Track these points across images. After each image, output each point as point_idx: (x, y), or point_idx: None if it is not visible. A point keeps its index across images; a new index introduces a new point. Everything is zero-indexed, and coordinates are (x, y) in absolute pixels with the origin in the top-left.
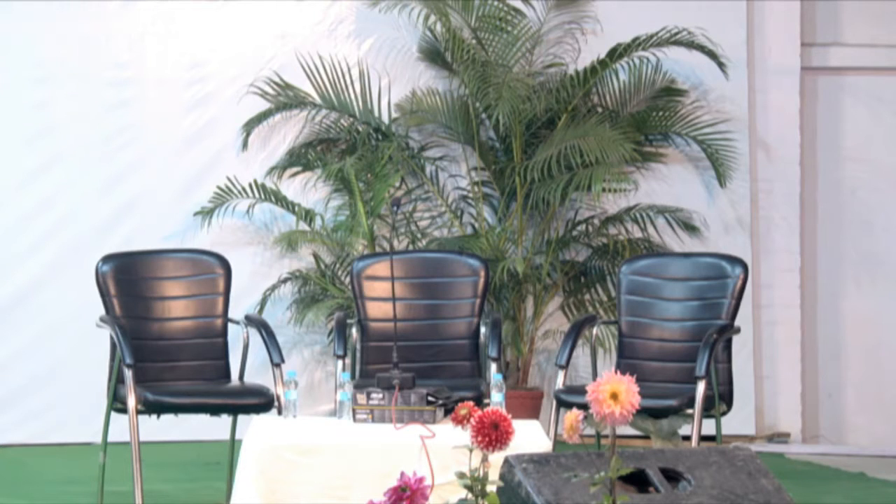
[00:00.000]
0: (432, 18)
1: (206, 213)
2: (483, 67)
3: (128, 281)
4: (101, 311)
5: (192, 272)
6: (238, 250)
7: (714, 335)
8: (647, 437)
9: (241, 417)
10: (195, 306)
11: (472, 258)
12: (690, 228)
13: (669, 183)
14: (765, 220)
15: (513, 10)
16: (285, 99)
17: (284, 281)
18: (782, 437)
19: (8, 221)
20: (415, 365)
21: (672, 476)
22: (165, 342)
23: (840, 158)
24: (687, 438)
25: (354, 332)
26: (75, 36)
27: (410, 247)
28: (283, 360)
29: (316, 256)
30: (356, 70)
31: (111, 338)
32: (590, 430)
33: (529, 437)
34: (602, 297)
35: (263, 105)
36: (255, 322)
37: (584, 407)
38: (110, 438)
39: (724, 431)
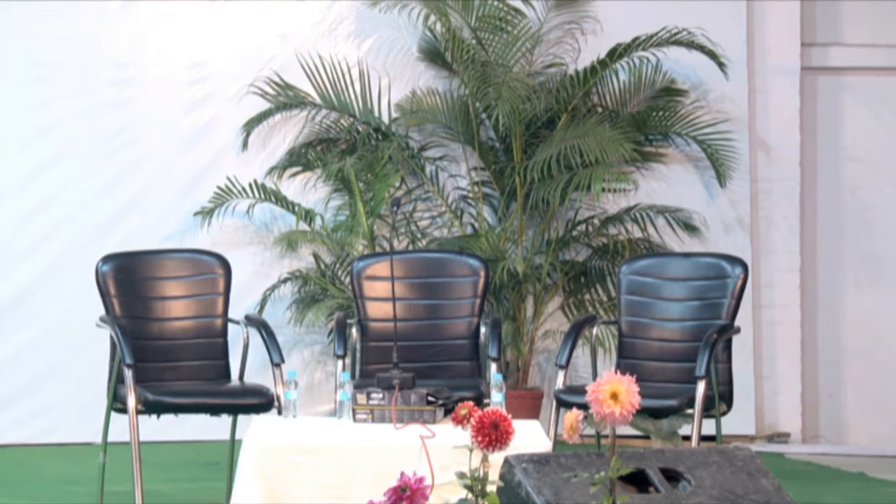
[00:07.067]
0: (432, 18)
1: (206, 213)
2: (483, 67)
3: (128, 281)
4: (101, 311)
5: (192, 272)
6: (238, 250)
7: (714, 335)
8: (647, 437)
9: (241, 417)
10: (195, 306)
11: (472, 258)
12: (690, 228)
13: (669, 183)
14: (765, 220)
15: (513, 10)
16: (285, 99)
17: (284, 281)
18: (782, 437)
19: (8, 221)
20: (415, 365)
21: (672, 476)
22: (165, 342)
23: (840, 158)
24: (687, 438)
25: (354, 332)
26: (75, 36)
27: (410, 247)
28: (283, 360)
29: (316, 256)
30: (356, 70)
31: (111, 338)
32: (590, 430)
33: (529, 437)
34: (602, 297)
35: (263, 105)
36: (255, 322)
37: (584, 407)
38: (110, 438)
39: (724, 431)
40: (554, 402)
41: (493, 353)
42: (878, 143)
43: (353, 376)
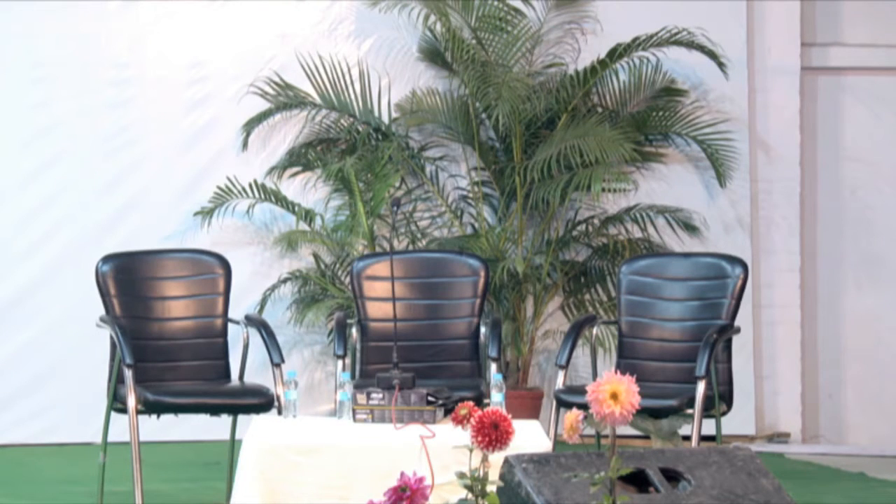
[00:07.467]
0: (432, 18)
1: (206, 213)
2: (483, 67)
3: (128, 281)
4: (101, 311)
5: (192, 272)
6: (238, 250)
7: (714, 335)
8: (647, 437)
9: (241, 417)
10: (195, 306)
11: (472, 258)
12: (690, 228)
13: (669, 183)
14: (765, 220)
15: (513, 10)
16: (285, 99)
17: (284, 281)
18: (782, 437)
19: (8, 221)
20: (415, 365)
21: (672, 476)
22: (165, 342)
23: (840, 158)
24: (687, 438)
25: (354, 332)
26: (75, 36)
27: (410, 247)
28: (283, 360)
29: (316, 256)
30: (356, 70)
31: (111, 338)
32: (590, 430)
33: (529, 437)
34: (602, 297)
35: (263, 105)
36: (255, 322)
37: (584, 407)
38: (110, 438)
39: (724, 431)
40: (554, 402)
41: (493, 353)
42: (878, 143)
43: (353, 376)
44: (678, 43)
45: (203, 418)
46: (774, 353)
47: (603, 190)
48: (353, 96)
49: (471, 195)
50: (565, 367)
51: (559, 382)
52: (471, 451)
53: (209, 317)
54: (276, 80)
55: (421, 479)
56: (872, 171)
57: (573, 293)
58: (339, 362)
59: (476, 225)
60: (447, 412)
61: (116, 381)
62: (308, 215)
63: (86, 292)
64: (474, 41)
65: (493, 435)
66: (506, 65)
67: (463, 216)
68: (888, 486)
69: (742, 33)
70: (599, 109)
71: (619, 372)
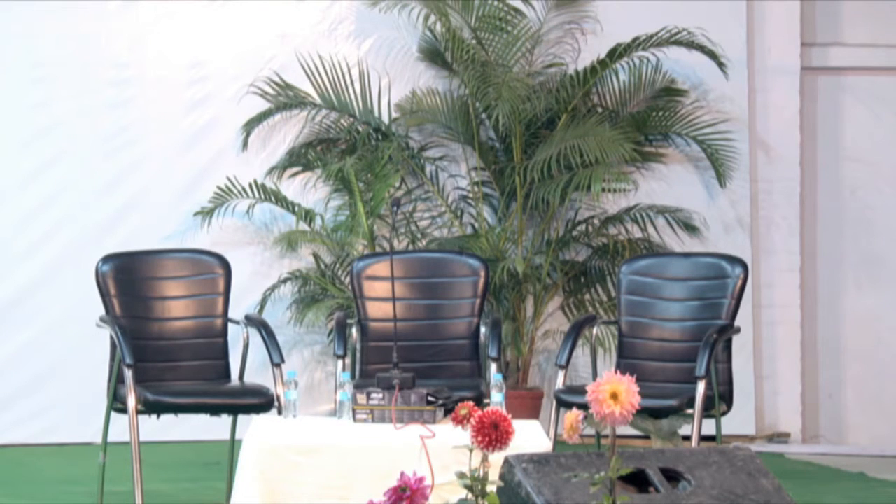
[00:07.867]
0: (432, 18)
1: (206, 213)
2: (483, 67)
3: (128, 281)
4: (101, 311)
5: (192, 272)
6: (238, 250)
7: (714, 335)
8: (647, 437)
9: (241, 417)
10: (195, 306)
11: (472, 258)
12: (690, 228)
13: (669, 183)
14: (765, 220)
15: (513, 10)
16: (285, 99)
17: (284, 281)
18: (782, 437)
19: (8, 221)
20: (415, 365)
21: (672, 476)
22: (165, 342)
23: (840, 158)
24: (687, 438)
25: (354, 332)
26: (75, 36)
27: (410, 247)
28: (283, 360)
29: (316, 256)
30: (356, 70)
31: (111, 338)
32: (590, 430)
33: (529, 437)
34: (602, 297)
35: (263, 105)
36: (255, 322)
37: (584, 407)
38: (110, 438)
39: (724, 431)
40: (554, 402)
41: (493, 353)
42: (878, 143)
43: (353, 376)
44: (678, 43)
45: (203, 418)
46: (774, 353)
47: (603, 190)
48: (353, 96)
49: (471, 195)
50: (565, 367)
51: (559, 382)
52: (471, 451)
53: (209, 317)
54: (276, 80)
55: (421, 479)
56: (872, 171)
57: (573, 293)
58: (339, 362)
59: (476, 225)
60: (447, 412)
61: (116, 381)
62: (308, 215)
63: (86, 292)
64: (474, 41)
65: (493, 435)
66: (506, 65)
67: (463, 216)
68: (888, 486)
69: (742, 33)
70: (599, 109)
71: (619, 372)
